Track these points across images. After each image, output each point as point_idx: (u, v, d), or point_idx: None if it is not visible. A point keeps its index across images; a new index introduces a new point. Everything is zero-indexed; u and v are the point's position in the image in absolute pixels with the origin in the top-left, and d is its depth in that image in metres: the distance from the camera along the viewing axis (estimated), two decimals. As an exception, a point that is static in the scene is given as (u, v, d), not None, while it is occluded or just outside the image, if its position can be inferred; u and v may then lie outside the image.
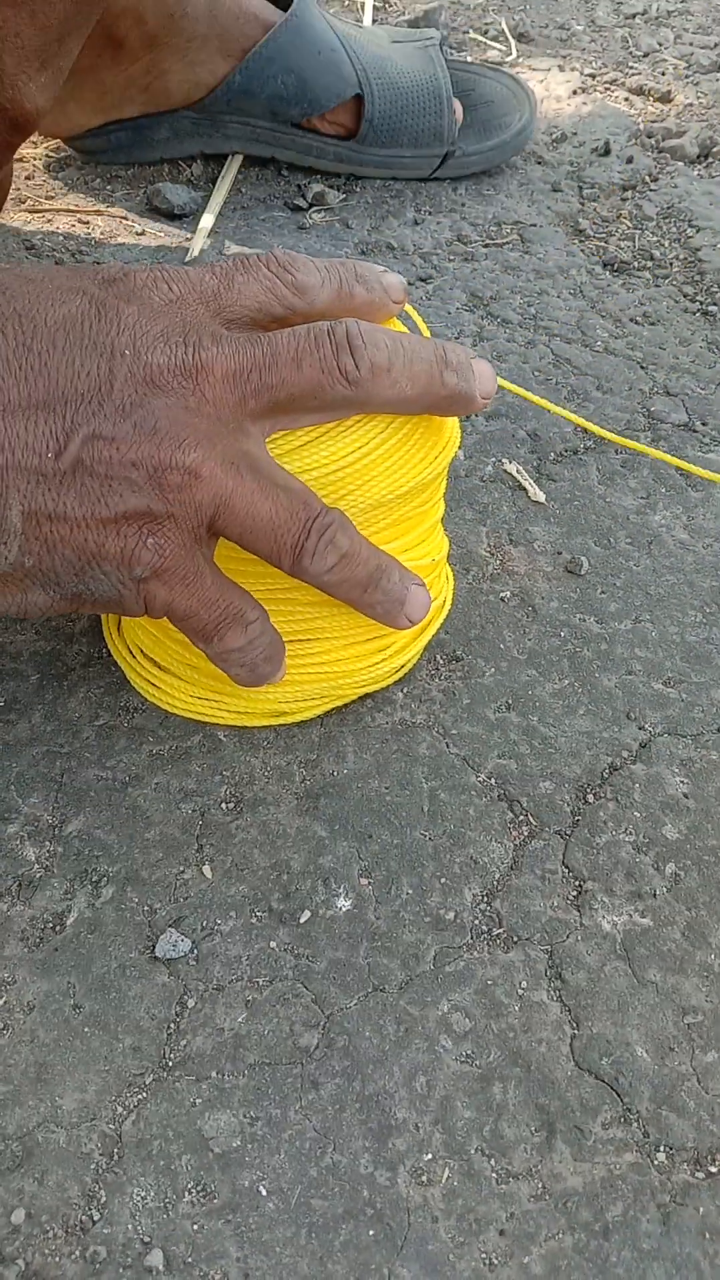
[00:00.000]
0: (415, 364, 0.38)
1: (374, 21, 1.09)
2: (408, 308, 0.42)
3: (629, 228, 0.81)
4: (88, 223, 0.76)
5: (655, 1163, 0.34)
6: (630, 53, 1.10)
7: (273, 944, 0.38)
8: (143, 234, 0.75)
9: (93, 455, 0.33)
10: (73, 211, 0.77)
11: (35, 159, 0.84)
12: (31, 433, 0.33)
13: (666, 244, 0.79)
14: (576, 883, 0.40)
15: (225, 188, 0.80)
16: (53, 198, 0.79)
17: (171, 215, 0.77)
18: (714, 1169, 0.34)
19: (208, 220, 0.76)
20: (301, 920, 0.38)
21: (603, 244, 0.79)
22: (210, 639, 0.37)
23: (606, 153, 0.90)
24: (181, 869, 0.40)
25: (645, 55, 1.10)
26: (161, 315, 0.35)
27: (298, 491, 0.36)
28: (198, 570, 0.35)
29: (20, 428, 0.32)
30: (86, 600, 0.35)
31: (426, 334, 0.43)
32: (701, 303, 0.73)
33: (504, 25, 1.12)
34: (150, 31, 0.74)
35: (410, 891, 0.40)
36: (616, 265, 0.76)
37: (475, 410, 0.40)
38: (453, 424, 0.42)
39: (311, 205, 0.80)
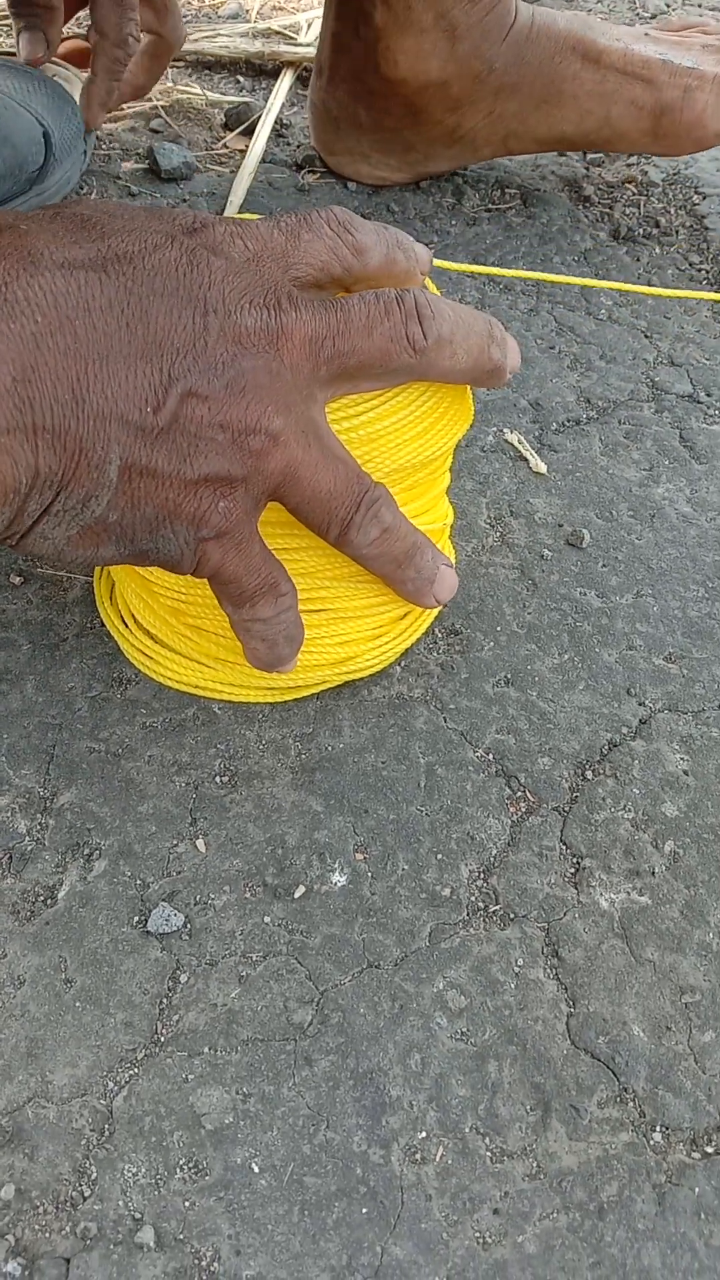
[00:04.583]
0: (470, 337, 0.38)
1: None
2: (426, 280, 0.42)
3: (634, 194, 0.79)
4: (80, 185, 0.75)
5: (651, 1143, 0.33)
6: (638, 15, 1.08)
7: (267, 919, 0.37)
8: (136, 195, 0.74)
9: (187, 413, 0.32)
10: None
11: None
12: (133, 383, 0.32)
13: (672, 211, 0.78)
14: (574, 860, 0.40)
15: (251, 165, 0.78)
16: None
17: (165, 178, 0.75)
18: (710, 1149, 0.33)
19: (238, 195, 0.74)
20: (296, 895, 0.38)
21: (607, 210, 0.77)
22: (242, 605, 0.37)
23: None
24: (175, 843, 0.39)
25: (653, 17, 1.07)
26: (244, 272, 0.34)
27: (350, 464, 0.36)
28: (251, 535, 0.35)
29: (123, 376, 0.32)
30: (150, 557, 0.35)
31: None
32: (708, 271, 0.72)
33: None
34: (454, 95, 0.71)
35: (406, 867, 0.39)
36: (622, 232, 0.75)
37: (500, 385, 0.41)
38: (470, 400, 0.42)
39: (303, 167, 0.78)
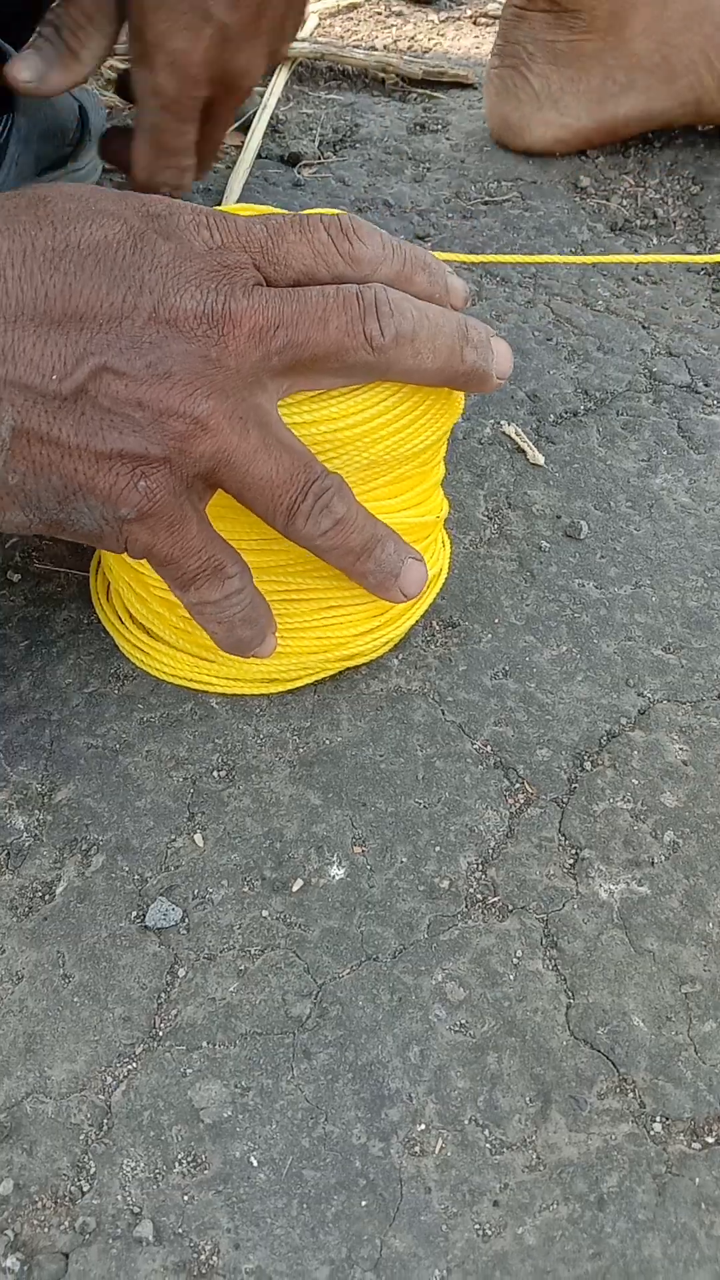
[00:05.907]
0: (438, 337, 0.37)
1: None
2: None
3: (632, 185, 0.79)
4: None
5: (651, 1133, 0.33)
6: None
7: (265, 913, 0.37)
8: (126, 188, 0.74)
9: (99, 386, 0.32)
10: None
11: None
12: (38, 349, 0.32)
13: (670, 201, 0.78)
14: (573, 851, 0.40)
15: (248, 161, 0.78)
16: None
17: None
18: (710, 1139, 0.33)
19: (234, 189, 0.74)
20: (294, 889, 0.38)
21: (604, 201, 0.77)
22: (186, 587, 0.37)
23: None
24: (173, 837, 0.39)
25: None
26: (197, 259, 0.34)
27: (299, 453, 0.36)
28: (184, 518, 0.35)
29: (28, 342, 0.32)
30: (66, 529, 0.35)
31: None
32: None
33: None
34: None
35: (405, 860, 0.39)
36: (619, 223, 0.75)
37: (490, 390, 0.40)
38: (459, 395, 0.42)
39: (290, 163, 0.78)
